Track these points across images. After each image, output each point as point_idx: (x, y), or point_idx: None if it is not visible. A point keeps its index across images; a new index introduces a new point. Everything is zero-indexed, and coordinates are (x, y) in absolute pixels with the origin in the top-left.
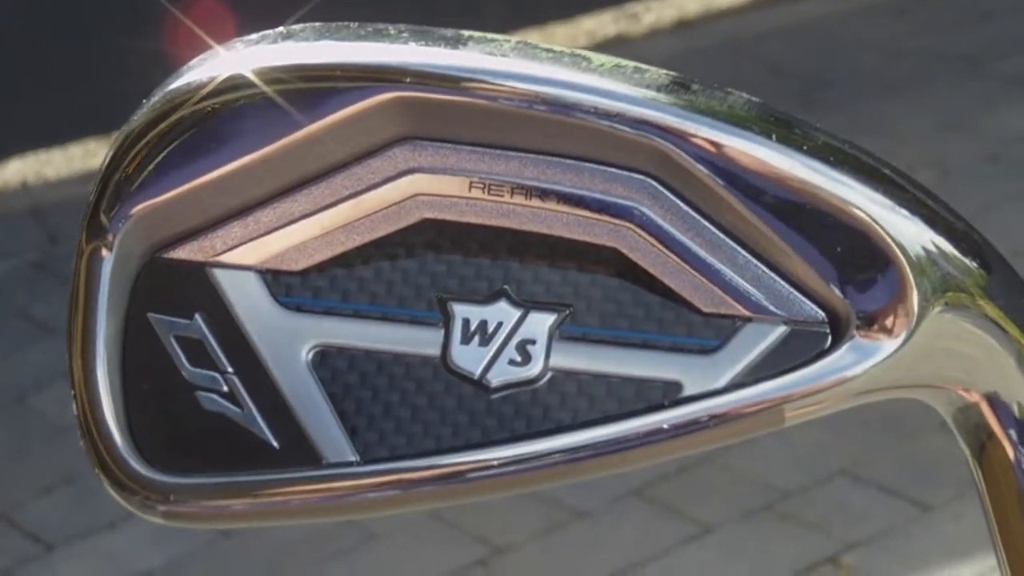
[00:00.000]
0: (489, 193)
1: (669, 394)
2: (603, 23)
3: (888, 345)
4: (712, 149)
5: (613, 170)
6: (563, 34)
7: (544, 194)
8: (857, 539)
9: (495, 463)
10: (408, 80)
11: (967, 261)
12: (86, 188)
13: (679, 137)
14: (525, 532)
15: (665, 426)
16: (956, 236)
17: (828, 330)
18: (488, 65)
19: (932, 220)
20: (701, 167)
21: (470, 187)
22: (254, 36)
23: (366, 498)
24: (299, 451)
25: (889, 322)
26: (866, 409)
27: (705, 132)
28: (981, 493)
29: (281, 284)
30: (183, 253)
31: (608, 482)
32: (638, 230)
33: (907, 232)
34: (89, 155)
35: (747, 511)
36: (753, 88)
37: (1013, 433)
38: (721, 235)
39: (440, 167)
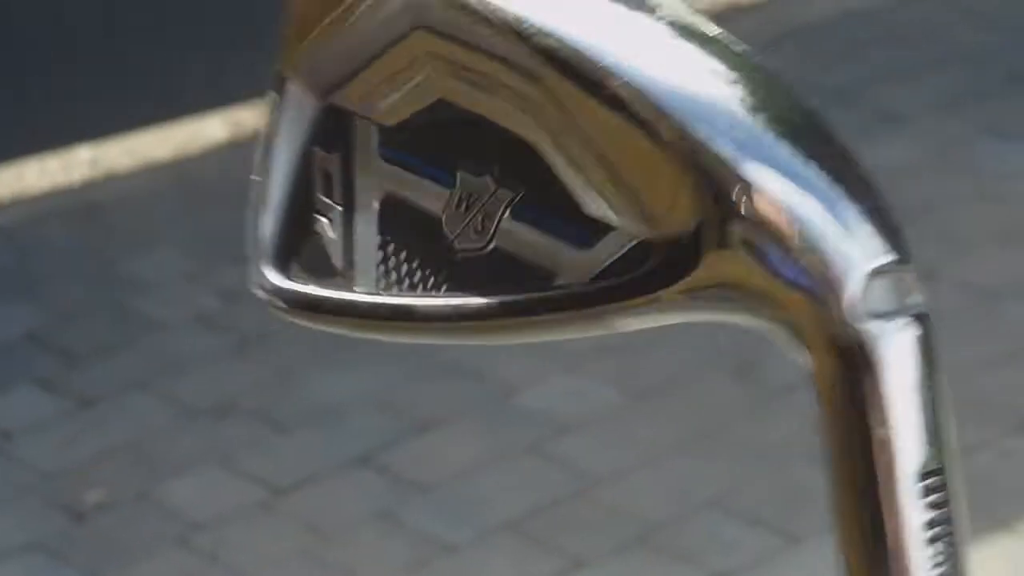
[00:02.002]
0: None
1: (547, 278)
2: None
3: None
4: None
5: None
6: None
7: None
8: (727, 569)
9: (447, 309)
10: None
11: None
12: None
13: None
14: (392, 566)
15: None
16: (811, 149)
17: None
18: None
19: (796, 137)
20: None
21: (471, 78)
22: None
23: (382, 323)
24: (348, 276)
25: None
26: (737, 439)
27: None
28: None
29: (383, 136)
30: (339, 101)
31: (477, 516)
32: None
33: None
34: None
35: (619, 544)
36: None
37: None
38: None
39: (453, 57)
